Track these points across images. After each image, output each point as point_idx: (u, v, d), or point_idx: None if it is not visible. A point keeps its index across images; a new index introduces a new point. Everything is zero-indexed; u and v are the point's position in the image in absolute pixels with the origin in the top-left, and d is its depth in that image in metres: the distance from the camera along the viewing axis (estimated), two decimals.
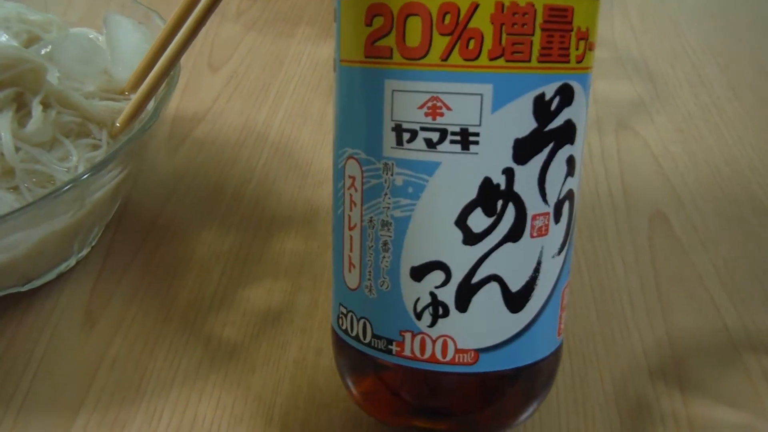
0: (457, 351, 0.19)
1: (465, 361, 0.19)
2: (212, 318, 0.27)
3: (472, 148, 0.18)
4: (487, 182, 0.18)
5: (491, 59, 0.17)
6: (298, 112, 0.41)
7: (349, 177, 0.20)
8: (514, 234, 0.18)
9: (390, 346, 0.19)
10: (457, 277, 0.18)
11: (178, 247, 0.31)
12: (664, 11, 0.54)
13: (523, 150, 0.18)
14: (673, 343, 0.27)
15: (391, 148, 0.18)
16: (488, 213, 0.18)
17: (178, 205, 0.33)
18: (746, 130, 0.40)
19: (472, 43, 0.17)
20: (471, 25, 0.17)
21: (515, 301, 0.19)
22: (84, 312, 0.28)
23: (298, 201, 0.34)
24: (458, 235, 0.18)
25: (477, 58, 0.17)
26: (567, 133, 0.18)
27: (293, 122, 0.40)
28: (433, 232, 0.18)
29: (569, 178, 0.19)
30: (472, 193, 0.18)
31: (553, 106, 0.18)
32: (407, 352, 0.19)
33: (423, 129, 0.18)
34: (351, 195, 0.20)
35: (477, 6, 0.17)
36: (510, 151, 0.18)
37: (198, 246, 0.31)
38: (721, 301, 0.29)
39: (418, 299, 0.19)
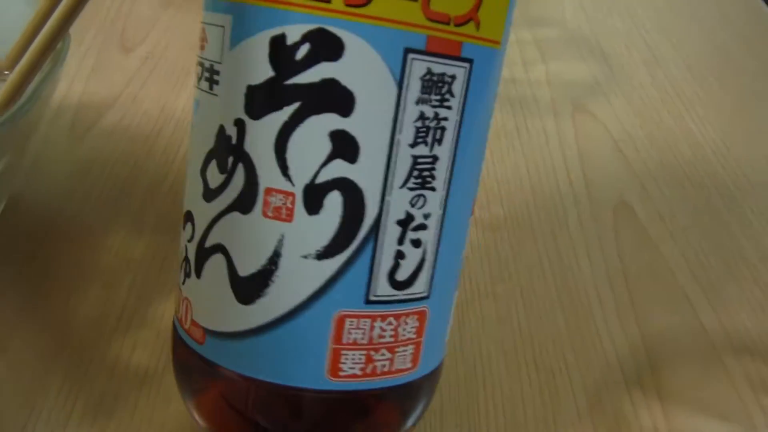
0: (192, 322, 0.17)
1: (195, 336, 0.17)
2: (118, 340, 0.24)
3: (214, 88, 0.15)
4: (221, 131, 0.15)
5: None
6: None
7: None
8: (243, 203, 0.15)
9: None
10: (197, 235, 0.16)
11: (79, 255, 0.27)
12: None
13: (257, 101, 0.15)
14: (648, 347, 0.25)
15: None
16: (221, 169, 0.16)
17: (81, 204, 0.29)
18: (706, 111, 0.39)
19: None
20: None
21: (243, 288, 0.15)
22: None
23: None
24: (200, 186, 0.16)
25: None
26: (327, 97, 0.14)
27: None
28: (189, 179, 0.17)
29: (338, 161, 0.15)
30: (212, 142, 0.16)
31: (300, 55, 0.14)
32: (176, 305, 0.18)
33: (197, 62, 0.16)
34: None
35: None
36: (243, 100, 0.15)
37: (103, 253, 0.27)
38: (695, 298, 0.27)
39: (182, 250, 0.18)
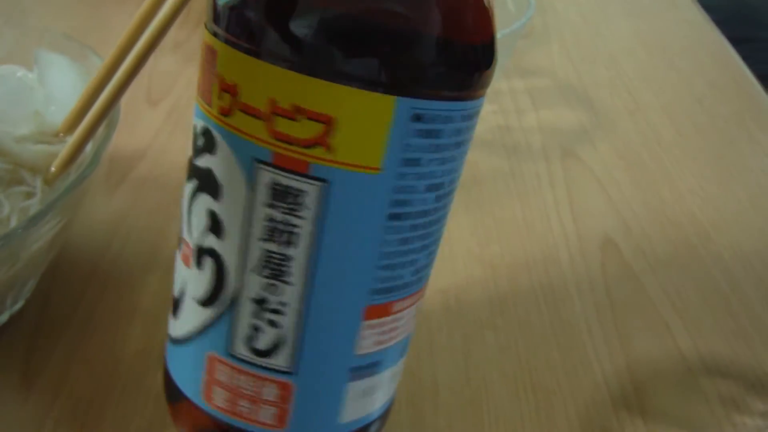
0: None
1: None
2: (161, 372, 0.25)
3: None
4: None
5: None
6: None
7: None
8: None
9: None
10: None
11: (123, 296, 0.29)
12: (599, 41, 0.56)
13: (187, 167, 0.19)
14: (632, 371, 0.28)
15: None
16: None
17: (120, 249, 0.32)
18: (683, 155, 0.42)
19: None
20: None
21: (174, 306, 0.21)
22: (19, 373, 0.25)
23: None
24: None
25: None
26: (205, 182, 0.18)
27: None
28: None
29: (211, 235, 0.18)
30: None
31: (199, 144, 0.18)
32: None
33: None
34: None
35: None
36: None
37: (143, 294, 0.30)
38: (674, 326, 0.30)
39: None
